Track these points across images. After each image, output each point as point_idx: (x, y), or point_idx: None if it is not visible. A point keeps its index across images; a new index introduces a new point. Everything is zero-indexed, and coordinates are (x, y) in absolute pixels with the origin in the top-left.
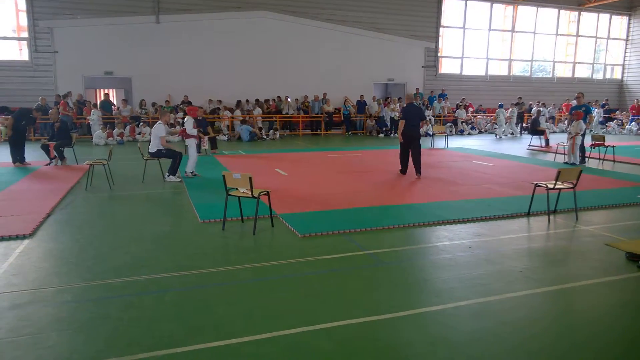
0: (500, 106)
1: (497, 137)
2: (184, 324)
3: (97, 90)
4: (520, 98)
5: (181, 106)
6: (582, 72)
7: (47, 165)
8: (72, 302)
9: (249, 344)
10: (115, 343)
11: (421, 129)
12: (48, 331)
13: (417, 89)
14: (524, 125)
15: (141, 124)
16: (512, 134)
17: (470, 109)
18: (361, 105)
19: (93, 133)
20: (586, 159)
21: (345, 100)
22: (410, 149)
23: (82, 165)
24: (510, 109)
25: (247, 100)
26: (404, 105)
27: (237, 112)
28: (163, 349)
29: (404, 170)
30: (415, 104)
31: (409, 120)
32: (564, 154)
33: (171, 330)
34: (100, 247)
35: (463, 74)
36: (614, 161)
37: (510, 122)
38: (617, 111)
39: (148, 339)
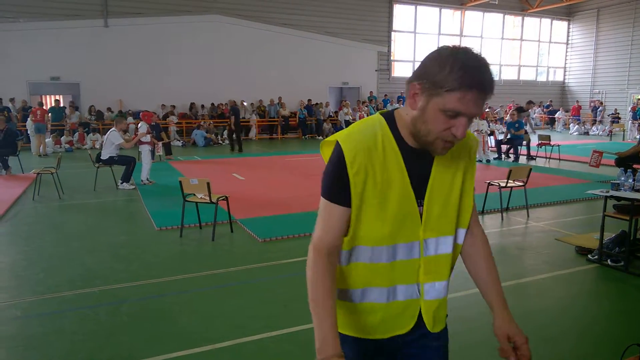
0: None
1: None
2: (142, 335)
3: (43, 96)
4: None
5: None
6: (527, 75)
7: None
8: (22, 317)
9: (211, 353)
10: (71, 358)
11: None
12: None
13: (371, 92)
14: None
15: (91, 132)
16: None
17: None
18: (310, 108)
19: (32, 142)
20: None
21: (301, 104)
22: (236, 134)
23: (28, 174)
24: None
25: (203, 105)
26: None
27: (174, 118)
28: None
29: (234, 149)
30: (236, 107)
31: (236, 116)
32: (511, 153)
33: (130, 342)
34: (50, 259)
35: None
36: (559, 159)
37: None
38: (559, 112)
39: (106, 352)
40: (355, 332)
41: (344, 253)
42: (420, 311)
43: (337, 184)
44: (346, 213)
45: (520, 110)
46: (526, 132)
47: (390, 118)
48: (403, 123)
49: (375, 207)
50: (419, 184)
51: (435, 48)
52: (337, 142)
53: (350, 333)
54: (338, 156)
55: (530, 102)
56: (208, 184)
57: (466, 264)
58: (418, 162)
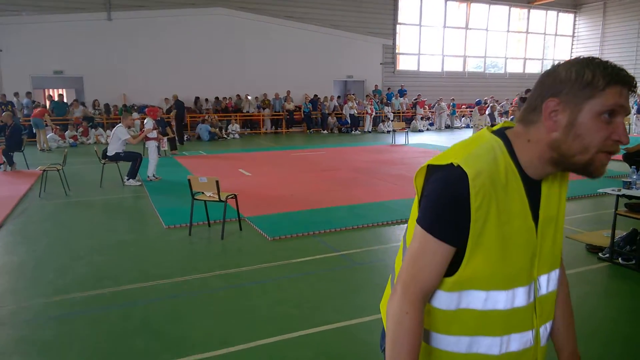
0: (478, 103)
1: None
2: (156, 337)
3: (46, 90)
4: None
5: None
6: (533, 68)
7: None
8: (33, 320)
9: (227, 357)
10: None
11: None
12: (9, 354)
13: (376, 85)
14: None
15: (94, 127)
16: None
17: (420, 106)
18: (314, 102)
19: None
20: None
21: (305, 98)
22: (177, 129)
23: (33, 171)
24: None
25: (207, 99)
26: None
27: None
28: None
29: (183, 143)
30: (180, 101)
31: (179, 110)
32: None
33: (143, 345)
34: (59, 259)
35: (420, 70)
36: None
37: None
38: None
39: (120, 355)
40: None
41: (451, 296)
42: None
43: (451, 218)
44: (452, 253)
45: (524, 100)
46: None
47: (507, 141)
48: (522, 148)
49: (494, 247)
50: (533, 216)
51: (548, 68)
52: (455, 165)
53: None
54: (456, 183)
55: (528, 90)
56: (217, 182)
57: None
58: (531, 193)
